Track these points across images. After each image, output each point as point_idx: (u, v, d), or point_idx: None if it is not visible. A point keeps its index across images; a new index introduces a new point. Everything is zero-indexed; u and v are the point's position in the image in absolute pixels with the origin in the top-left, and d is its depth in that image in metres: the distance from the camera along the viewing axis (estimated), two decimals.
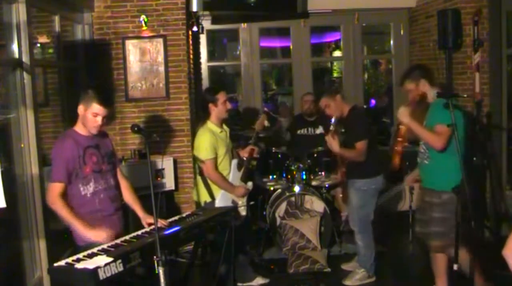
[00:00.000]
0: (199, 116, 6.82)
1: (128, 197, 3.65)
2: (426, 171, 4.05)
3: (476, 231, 4.02)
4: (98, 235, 3.04)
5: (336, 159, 5.22)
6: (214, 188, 4.49)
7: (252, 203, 5.21)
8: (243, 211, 4.59)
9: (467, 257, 3.91)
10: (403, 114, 3.90)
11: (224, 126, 4.59)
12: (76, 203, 3.31)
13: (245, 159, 4.71)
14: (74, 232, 3.31)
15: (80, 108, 3.34)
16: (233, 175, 4.56)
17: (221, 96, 4.44)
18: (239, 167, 4.61)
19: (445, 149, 3.80)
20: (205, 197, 4.51)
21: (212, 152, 4.37)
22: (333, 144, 4.53)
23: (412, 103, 3.97)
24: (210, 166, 4.38)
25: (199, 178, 4.58)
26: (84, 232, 3.13)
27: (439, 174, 3.91)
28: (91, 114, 3.31)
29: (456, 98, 3.86)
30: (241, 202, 4.58)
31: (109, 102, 3.44)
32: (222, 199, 4.49)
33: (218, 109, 4.43)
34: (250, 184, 4.71)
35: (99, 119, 3.33)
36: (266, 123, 5.49)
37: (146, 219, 3.53)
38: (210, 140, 4.36)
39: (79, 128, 3.40)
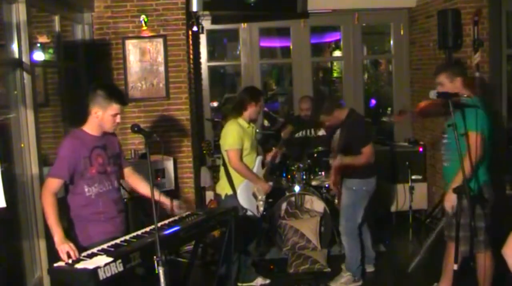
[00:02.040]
0: (198, 116, 6.86)
1: (146, 190, 3.57)
2: (445, 174, 4.00)
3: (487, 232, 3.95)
4: (64, 248, 2.95)
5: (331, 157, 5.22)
6: (236, 180, 4.57)
7: (270, 200, 5.27)
8: (261, 206, 4.68)
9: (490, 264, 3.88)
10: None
11: (251, 124, 4.71)
12: (80, 203, 3.29)
13: (269, 160, 4.89)
14: (76, 233, 3.31)
15: (97, 111, 3.28)
16: (257, 171, 4.68)
17: (262, 99, 4.70)
18: (263, 165, 4.79)
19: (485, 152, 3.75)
20: (226, 189, 4.59)
21: (238, 143, 4.49)
22: (340, 162, 4.60)
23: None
24: (235, 155, 4.49)
25: (222, 169, 4.66)
26: (56, 239, 3.03)
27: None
28: (110, 115, 3.28)
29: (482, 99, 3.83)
30: (261, 197, 4.66)
31: (125, 99, 3.43)
32: (243, 191, 4.58)
33: (255, 109, 4.62)
34: (271, 183, 4.86)
35: (118, 118, 3.33)
36: (266, 123, 5.55)
37: (172, 206, 3.59)
38: (237, 131, 4.51)
39: (88, 128, 3.35)
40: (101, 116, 3.29)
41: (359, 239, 4.79)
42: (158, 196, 3.50)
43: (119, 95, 3.34)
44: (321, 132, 6.18)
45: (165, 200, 3.61)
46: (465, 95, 3.77)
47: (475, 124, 3.62)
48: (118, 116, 3.33)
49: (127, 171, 3.68)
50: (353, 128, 4.65)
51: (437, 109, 4.02)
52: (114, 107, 3.28)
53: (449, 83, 3.88)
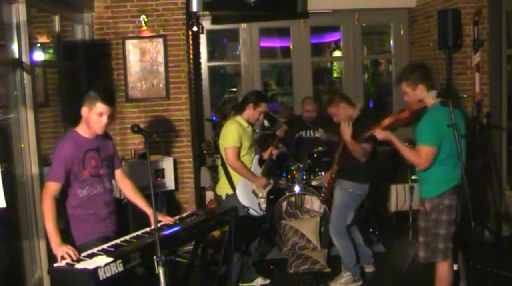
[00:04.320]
0: (199, 116, 6.86)
1: (133, 197, 3.65)
2: (420, 177, 3.97)
3: (474, 231, 3.94)
4: (62, 252, 2.94)
5: (334, 156, 5.20)
6: (235, 180, 4.59)
7: (272, 197, 5.28)
8: (263, 204, 4.70)
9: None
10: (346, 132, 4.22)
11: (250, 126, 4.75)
12: (72, 204, 3.31)
13: (266, 158, 4.90)
14: (72, 231, 3.31)
15: (84, 110, 3.31)
16: (254, 169, 4.70)
17: (263, 106, 4.66)
18: (261, 164, 4.81)
19: (429, 168, 3.71)
20: (227, 189, 4.61)
21: (237, 141, 4.51)
22: (346, 131, 4.52)
23: (410, 107, 3.90)
24: (233, 153, 4.50)
25: (221, 169, 4.68)
26: (52, 243, 3.04)
27: (424, 181, 3.85)
28: (95, 114, 3.28)
29: (454, 98, 3.81)
30: (261, 194, 4.68)
31: (112, 100, 3.39)
32: (242, 188, 4.60)
33: (253, 113, 4.63)
34: (271, 181, 4.87)
35: (104, 118, 3.30)
36: (266, 123, 5.56)
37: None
38: (237, 130, 4.53)
39: (81, 130, 3.36)
40: (87, 116, 3.30)
41: (349, 238, 4.81)
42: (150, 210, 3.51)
43: (105, 95, 3.31)
44: (319, 134, 6.18)
45: (163, 218, 3.60)
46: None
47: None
48: (104, 117, 3.30)
49: (119, 173, 3.66)
50: (363, 125, 4.63)
51: (403, 123, 4.01)
52: (98, 106, 3.27)
53: (412, 92, 3.79)
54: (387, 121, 3.93)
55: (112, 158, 3.55)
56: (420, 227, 3.88)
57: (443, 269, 3.76)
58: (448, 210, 3.69)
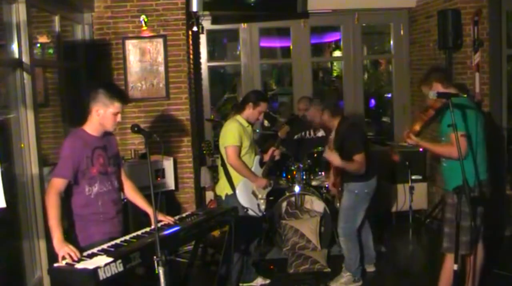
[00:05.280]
0: (199, 116, 6.86)
1: (134, 196, 3.64)
2: (443, 173, 4.03)
3: (485, 230, 3.97)
4: (63, 252, 2.92)
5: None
6: (235, 180, 4.59)
7: (271, 198, 5.29)
8: (262, 205, 4.70)
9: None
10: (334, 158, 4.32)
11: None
12: (80, 202, 3.29)
13: (267, 159, 4.89)
14: (77, 232, 3.31)
15: (98, 110, 3.29)
16: (255, 170, 4.70)
17: (263, 106, 4.66)
18: (261, 164, 4.81)
19: (466, 155, 3.73)
20: (226, 189, 4.60)
21: (238, 140, 4.51)
22: (333, 158, 4.55)
23: (433, 106, 3.91)
24: (234, 152, 4.49)
25: (221, 169, 4.68)
26: (54, 241, 3.01)
27: (452, 174, 3.86)
28: (112, 113, 3.30)
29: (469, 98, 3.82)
30: (261, 195, 4.69)
31: (128, 97, 3.44)
32: (242, 190, 4.59)
33: (253, 112, 4.62)
34: (271, 181, 4.88)
35: (119, 117, 3.34)
36: (266, 123, 5.56)
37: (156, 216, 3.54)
38: (238, 129, 4.53)
39: (88, 128, 3.35)
40: (103, 115, 3.30)
41: (357, 240, 4.79)
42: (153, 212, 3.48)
43: (120, 94, 3.37)
44: (321, 133, 6.17)
45: (163, 217, 3.60)
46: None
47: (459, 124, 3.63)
48: (119, 115, 3.34)
49: (122, 174, 3.65)
50: (345, 136, 4.64)
51: (429, 122, 4.05)
52: (116, 106, 3.30)
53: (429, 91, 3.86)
54: (417, 126, 3.98)
55: (117, 156, 3.56)
56: (446, 218, 3.93)
57: (450, 262, 3.78)
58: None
